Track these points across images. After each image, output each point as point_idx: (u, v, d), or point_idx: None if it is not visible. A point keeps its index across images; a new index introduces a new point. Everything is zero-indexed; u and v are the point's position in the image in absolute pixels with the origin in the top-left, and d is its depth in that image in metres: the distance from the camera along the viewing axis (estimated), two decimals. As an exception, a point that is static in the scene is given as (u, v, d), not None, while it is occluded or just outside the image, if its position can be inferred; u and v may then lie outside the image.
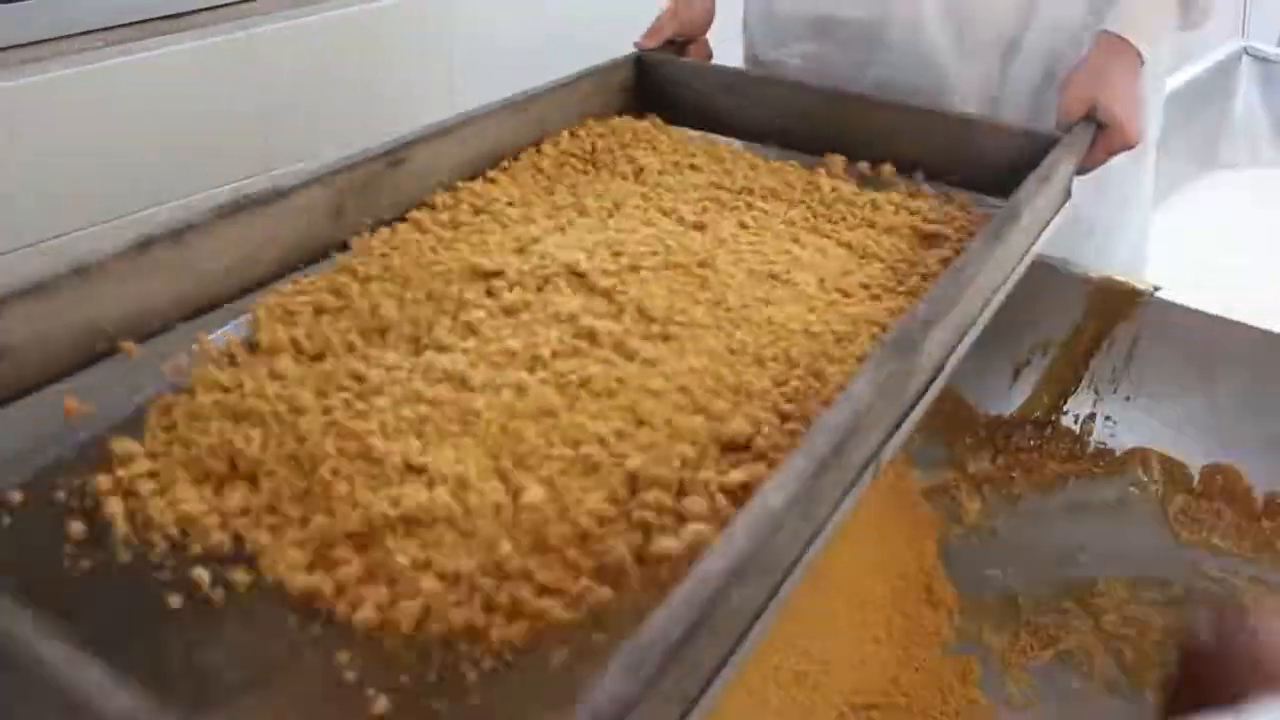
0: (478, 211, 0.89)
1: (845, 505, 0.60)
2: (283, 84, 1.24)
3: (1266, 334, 0.97)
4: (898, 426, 0.66)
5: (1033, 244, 0.88)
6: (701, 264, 0.81)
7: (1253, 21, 2.67)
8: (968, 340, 0.76)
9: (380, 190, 0.85)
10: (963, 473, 1.09)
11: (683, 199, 0.92)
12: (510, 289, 0.77)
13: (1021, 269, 0.86)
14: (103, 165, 1.11)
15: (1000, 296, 0.82)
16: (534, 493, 0.59)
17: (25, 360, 0.63)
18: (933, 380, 0.70)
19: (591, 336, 0.72)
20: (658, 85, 1.12)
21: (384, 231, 0.85)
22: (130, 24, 1.14)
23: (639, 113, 1.10)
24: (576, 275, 0.78)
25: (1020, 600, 1.00)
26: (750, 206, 0.92)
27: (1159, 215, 2.08)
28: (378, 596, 0.54)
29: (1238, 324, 0.98)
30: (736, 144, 1.07)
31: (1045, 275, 1.04)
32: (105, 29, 1.12)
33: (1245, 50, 2.43)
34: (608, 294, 0.76)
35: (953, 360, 0.73)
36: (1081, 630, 0.98)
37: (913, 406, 0.68)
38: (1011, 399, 1.10)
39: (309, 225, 0.80)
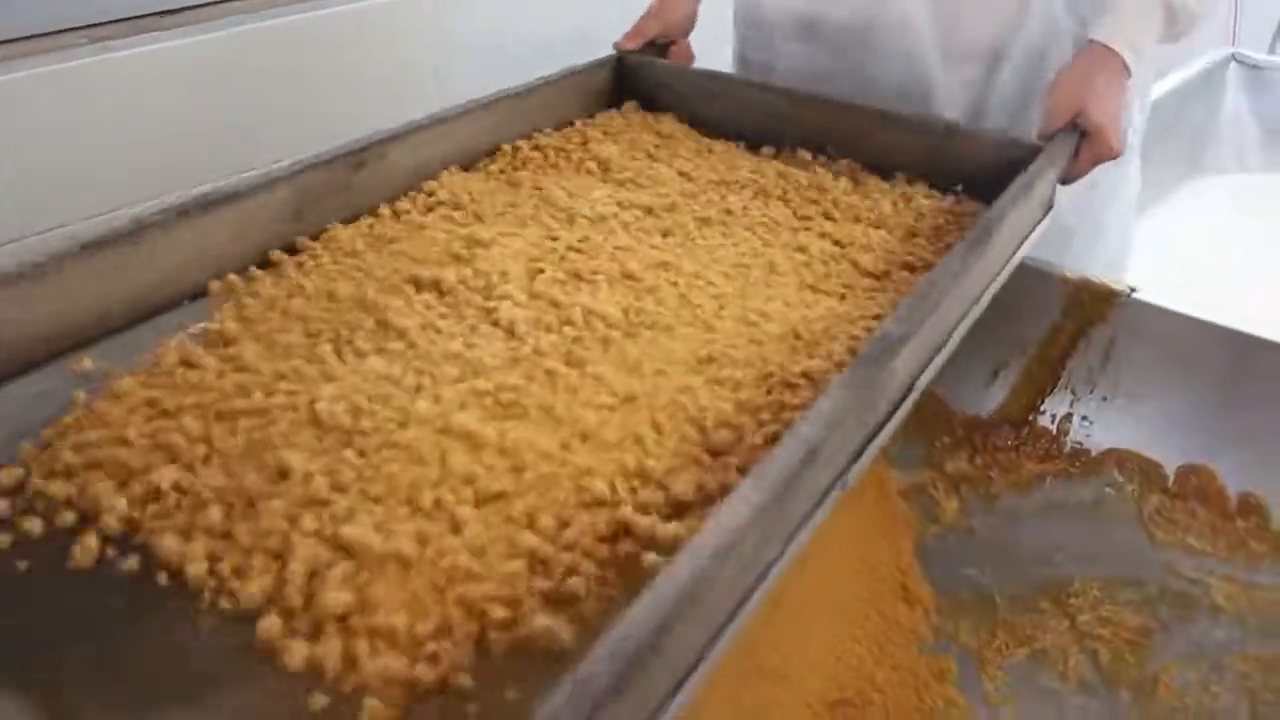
0: (429, 210, 0.88)
1: (810, 526, 0.59)
2: (267, 83, 1.24)
3: (1241, 335, 0.98)
4: (865, 447, 0.65)
5: (1012, 256, 0.88)
6: (665, 266, 0.80)
7: (1242, 28, 2.68)
8: (940, 358, 0.75)
9: (342, 193, 0.85)
10: (940, 472, 1.10)
11: (652, 194, 0.91)
12: (444, 298, 0.75)
13: (1000, 281, 0.86)
14: (85, 163, 1.11)
15: (977, 310, 0.82)
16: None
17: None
18: (903, 399, 0.70)
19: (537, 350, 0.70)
20: (637, 87, 1.13)
21: (336, 229, 0.84)
22: (115, 21, 1.14)
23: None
24: (526, 280, 0.76)
25: (997, 599, 1.00)
26: (726, 199, 0.92)
27: (1145, 220, 2.09)
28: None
29: (1213, 325, 0.99)
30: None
31: (1024, 276, 1.03)
32: (89, 26, 1.12)
33: (1233, 57, 2.44)
34: (556, 303, 0.74)
35: (925, 377, 0.72)
36: (1057, 629, 0.98)
37: (881, 427, 0.67)
38: (989, 399, 1.10)
39: (269, 225, 0.80)
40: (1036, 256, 1.05)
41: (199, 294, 0.76)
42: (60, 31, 1.10)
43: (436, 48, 1.41)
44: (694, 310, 0.75)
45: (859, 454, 0.64)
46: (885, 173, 1.01)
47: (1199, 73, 2.35)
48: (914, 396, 0.71)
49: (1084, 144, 0.98)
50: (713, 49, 1.22)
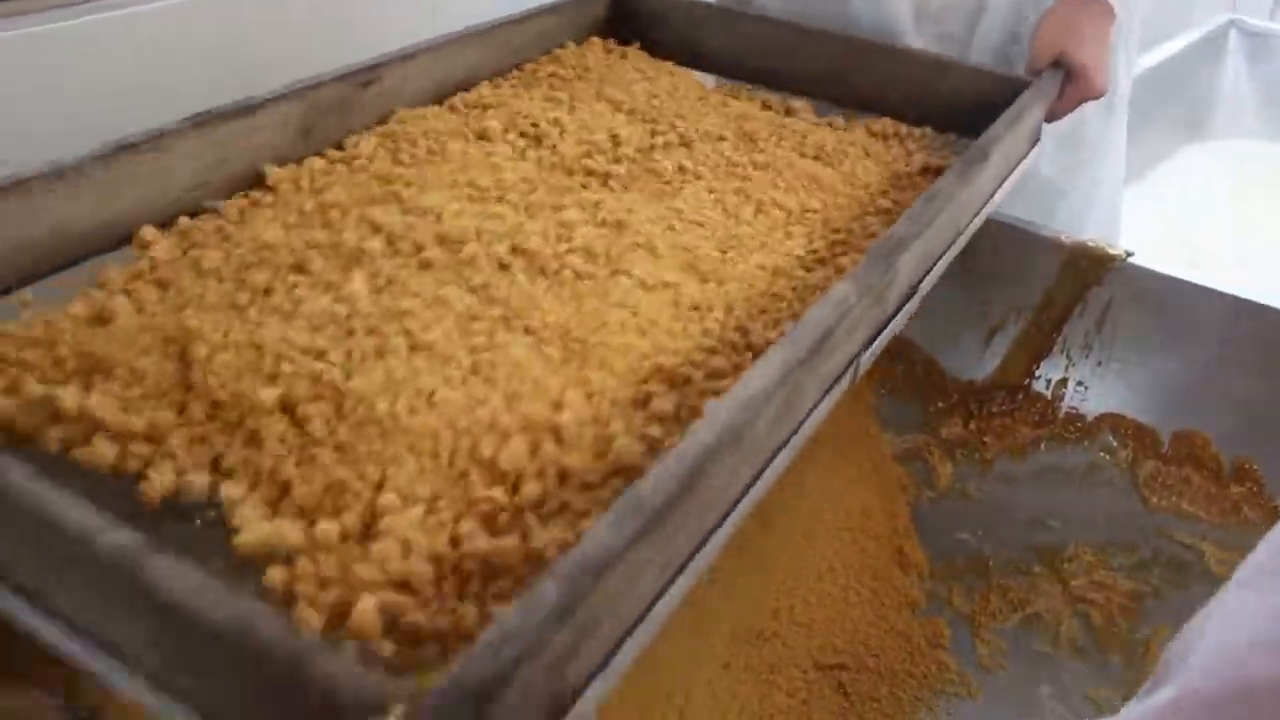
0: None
1: (824, 405, 0.62)
2: (260, 36, 1.23)
3: (1237, 300, 0.97)
4: (874, 337, 0.69)
5: (1001, 184, 0.90)
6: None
7: (1243, -6, 2.67)
8: (938, 268, 0.78)
9: (350, 111, 0.86)
10: (935, 437, 1.10)
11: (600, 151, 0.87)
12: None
13: (990, 208, 0.87)
14: (84, 121, 1.10)
15: (969, 232, 0.84)
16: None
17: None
18: (907, 300, 0.73)
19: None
20: (634, 18, 1.12)
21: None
22: (103, -18, 1.13)
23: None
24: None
25: (990, 563, 1.01)
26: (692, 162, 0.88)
27: (1144, 185, 2.09)
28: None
29: (1209, 289, 0.98)
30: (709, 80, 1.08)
31: (1019, 240, 1.04)
32: (78, -13, 1.11)
33: (1234, 23, 2.43)
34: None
35: (925, 284, 0.75)
36: (1050, 594, 0.99)
37: (888, 321, 0.71)
38: (984, 364, 1.10)
39: (277, 141, 0.80)
40: (1026, 219, 1.05)
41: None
42: (49, -9, 1.09)
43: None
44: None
45: (867, 345, 0.67)
46: (877, 106, 1.01)
47: (1199, 39, 2.34)
48: (916, 299, 0.74)
49: (1068, 84, 0.99)
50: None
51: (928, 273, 0.76)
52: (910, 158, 0.92)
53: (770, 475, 0.57)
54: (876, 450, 1.07)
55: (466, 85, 0.97)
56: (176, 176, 0.74)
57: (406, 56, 0.91)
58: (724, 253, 0.74)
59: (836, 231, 0.79)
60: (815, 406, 0.61)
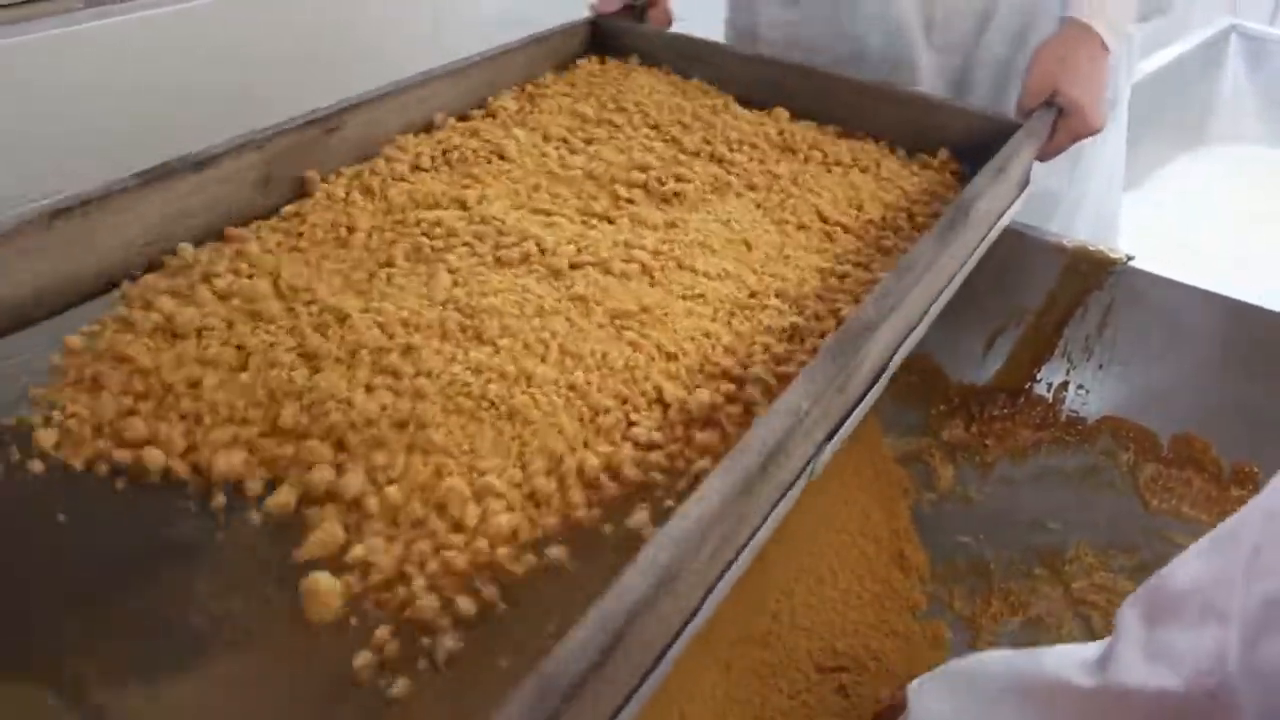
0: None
1: (778, 512, 0.59)
2: (265, 38, 1.23)
3: (1237, 304, 0.98)
4: (836, 430, 0.65)
5: (986, 236, 0.88)
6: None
7: (1243, 0, 2.67)
8: (910, 341, 0.76)
9: (312, 158, 0.84)
10: (936, 440, 1.10)
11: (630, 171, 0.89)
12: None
13: (973, 262, 0.86)
14: (85, 128, 1.10)
15: (949, 293, 0.82)
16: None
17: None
18: (874, 382, 0.70)
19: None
20: (613, 53, 1.10)
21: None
22: (111, -14, 1.13)
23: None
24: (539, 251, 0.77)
25: (991, 566, 1.01)
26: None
27: (1143, 190, 2.09)
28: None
29: (1210, 293, 0.99)
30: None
31: (1020, 244, 1.04)
32: (86, -9, 1.11)
33: (1234, 28, 2.43)
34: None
35: (896, 359, 0.73)
36: (1051, 596, 0.99)
37: (852, 409, 0.67)
38: (986, 367, 1.10)
39: (236, 193, 0.79)
40: (1024, 224, 1.05)
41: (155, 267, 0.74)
42: (56, -5, 1.09)
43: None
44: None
45: (829, 437, 0.64)
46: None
47: (1200, 44, 2.34)
48: (885, 378, 0.71)
49: (1061, 121, 0.98)
50: (716, 15, 1.21)
51: (895, 351, 0.73)
52: (935, 164, 0.95)
53: (710, 606, 0.53)
54: (877, 453, 1.07)
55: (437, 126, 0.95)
56: (130, 233, 0.72)
57: (373, 99, 0.89)
58: (779, 250, 0.79)
59: (876, 226, 0.84)
60: (763, 522, 0.58)
